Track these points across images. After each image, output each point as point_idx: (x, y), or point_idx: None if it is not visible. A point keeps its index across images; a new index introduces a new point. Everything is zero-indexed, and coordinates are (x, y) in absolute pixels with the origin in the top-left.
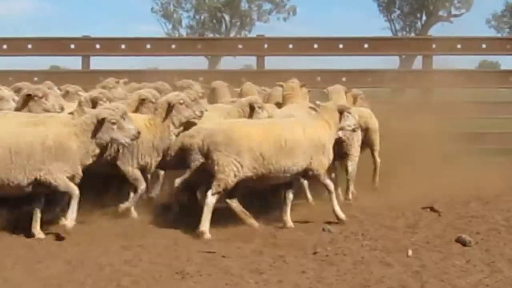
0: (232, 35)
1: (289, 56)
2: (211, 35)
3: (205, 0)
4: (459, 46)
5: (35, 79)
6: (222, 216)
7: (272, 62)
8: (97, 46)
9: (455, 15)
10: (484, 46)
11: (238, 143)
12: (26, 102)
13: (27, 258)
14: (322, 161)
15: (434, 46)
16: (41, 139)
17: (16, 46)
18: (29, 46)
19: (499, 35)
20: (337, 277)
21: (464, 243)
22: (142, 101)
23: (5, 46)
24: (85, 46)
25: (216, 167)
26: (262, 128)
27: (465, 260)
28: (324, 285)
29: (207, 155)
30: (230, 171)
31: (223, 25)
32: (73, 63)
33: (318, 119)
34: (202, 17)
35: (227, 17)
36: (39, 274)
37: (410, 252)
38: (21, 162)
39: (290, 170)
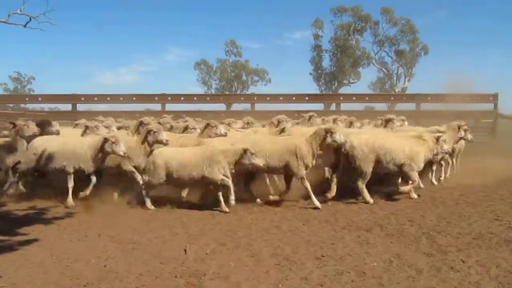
0: (238, 92)
1: (268, 104)
2: (227, 92)
3: (224, 75)
4: (354, 98)
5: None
6: None
7: (258, 107)
8: (169, 98)
9: (352, 82)
10: (367, 98)
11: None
12: (204, 128)
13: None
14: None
15: (341, 98)
16: None
17: (115, 98)
18: (121, 98)
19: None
20: None
21: None
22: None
23: (108, 98)
24: (162, 98)
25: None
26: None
27: None
28: None
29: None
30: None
31: (234, 87)
32: (154, 107)
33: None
34: (223, 83)
35: (235, 84)
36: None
37: None
38: None
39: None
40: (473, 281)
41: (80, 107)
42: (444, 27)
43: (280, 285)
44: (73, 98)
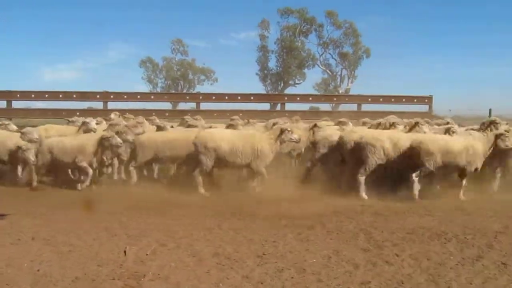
0: (184, 91)
1: (213, 103)
2: (173, 91)
3: (170, 73)
4: (298, 98)
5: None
6: None
7: (204, 106)
8: (111, 96)
9: (297, 83)
10: (310, 98)
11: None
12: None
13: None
14: None
15: (286, 98)
16: None
17: (54, 95)
18: (60, 95)
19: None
20: None
21: None
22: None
23: (46, 95)
24: (104, 95)
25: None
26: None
27: None
28: None
29: None
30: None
31: (180, 86)
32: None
33: None
34: (169, 82)
35: (181, 82)
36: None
37: None
38: None
39: None
40: (406, 273)
41: (16, 104)
42: (385, 31)
43: (221, 284)
44: (8, 95)
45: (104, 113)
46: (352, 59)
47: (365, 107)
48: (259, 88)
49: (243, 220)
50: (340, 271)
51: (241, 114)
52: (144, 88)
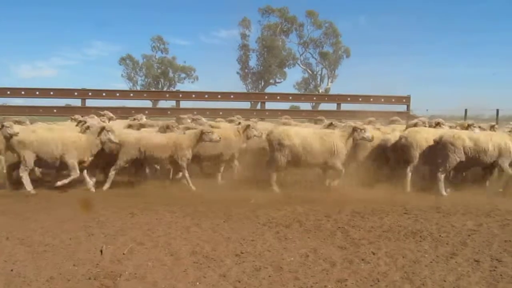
0: (164, 89)
1: (193, 101)
2: (153, 89)
3: (151, 71)
4: (278, 97)
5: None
6: None
7: (184, 104)
8: (89, 93)
9: (278, 82)
10: (290, 98)
11: None
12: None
13: None
14: None
15: (266, 97)
16: None
17: (31, 92)
18: (37, 92)
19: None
20: None
21: None
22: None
23: (23, 92)
24: (83, 93)
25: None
26: None
27: None
28: None
29: None
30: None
31: (160, 84)
32: (74, 103)
33: None
34: (149, 80)
35: (162, 80)
36: None
37: None
38: None
39: None
40: (382, 271)
41: None
42: (364, 32)
43: (198, 283)
44: None
45: (83, 111)
46: (332, 59)
47: (345, 106)
48: (240, 86)
49: (222, 219)
50: (317, 269)
51: (221, 113)
52: (124, 86)
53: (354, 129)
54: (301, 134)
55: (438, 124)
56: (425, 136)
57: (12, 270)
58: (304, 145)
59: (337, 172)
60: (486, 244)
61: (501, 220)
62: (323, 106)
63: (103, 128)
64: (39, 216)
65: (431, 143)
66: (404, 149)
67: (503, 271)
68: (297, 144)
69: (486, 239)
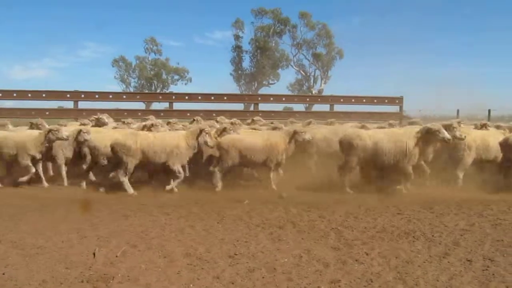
0: (158, 91)
1: (186, 102)
2: (146, 91)
3: (144, 73)
4: (271, 98)
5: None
6: None
7: (177, 106)
8: (82, 95)
9: (271, 84)
10: (284, 99)
11: None
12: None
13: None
14: None
15: (259, 98)
16: None
17: (22, 94)
18: (29, 94)
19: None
20: None
21: None
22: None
23: (14, 94)
24: (75, 95)
25: None
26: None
27: None
28: None
29: None
30: None
31: (153, 86)
32: (67, 105)
33: None
34: (142, 82)
35: (155, 82)
36: None
37: None
38: None
39: None
40: (375, 272)
41: None
42: (357, 33)
43: (191, 285)
44: None
45: (75, 113)
46: (325, 60)
47: (338, 107)
48: (233, 88)
49: (215, 220)
50: (311, 270)
51: (214, 115)
52: (117, 87)
53: (430, 130)
54: (374, 135)
55: (484, 126)
56: None
57: (3, 274)
58: (377, 147)
59: (406, 175)
60: (478, 244)
61: (493, 220)
62: (317, 107)
63: (201, 131)
64: (32, 218)
65: None
66: None
67: (495, 271)
68: (370, 146)
69: (478, 238)
